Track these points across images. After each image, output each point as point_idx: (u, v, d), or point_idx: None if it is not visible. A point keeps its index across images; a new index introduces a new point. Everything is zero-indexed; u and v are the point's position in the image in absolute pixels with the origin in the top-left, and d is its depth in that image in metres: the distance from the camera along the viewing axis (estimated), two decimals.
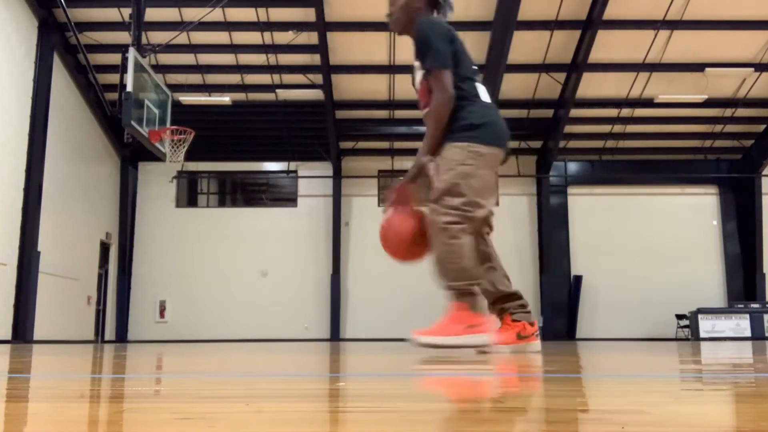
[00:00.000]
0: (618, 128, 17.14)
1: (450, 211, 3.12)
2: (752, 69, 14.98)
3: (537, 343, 3.35)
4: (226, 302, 17.36)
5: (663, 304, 17.30)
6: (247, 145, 17.99)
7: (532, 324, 3.31)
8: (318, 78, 15.24)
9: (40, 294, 13.10)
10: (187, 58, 15.10)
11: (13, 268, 12.61)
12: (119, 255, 17.27)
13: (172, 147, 11.17)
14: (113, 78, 12.85)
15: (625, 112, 16.56)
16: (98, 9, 13.78)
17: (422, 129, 13.56)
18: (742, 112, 16.64)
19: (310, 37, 14.36)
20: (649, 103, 16.11)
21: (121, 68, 9.98)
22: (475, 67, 3.37)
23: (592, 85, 15.54)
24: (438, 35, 3.18)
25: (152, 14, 12.54)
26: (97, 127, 16.17)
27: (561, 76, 15.40)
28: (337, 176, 17.74)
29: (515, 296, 3.34)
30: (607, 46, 14.43)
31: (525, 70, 15.24)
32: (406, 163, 18.40)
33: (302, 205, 18.03)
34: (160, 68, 14.54)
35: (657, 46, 14.54)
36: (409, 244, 3.27)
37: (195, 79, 15.62)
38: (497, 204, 3.04)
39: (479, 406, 1.17)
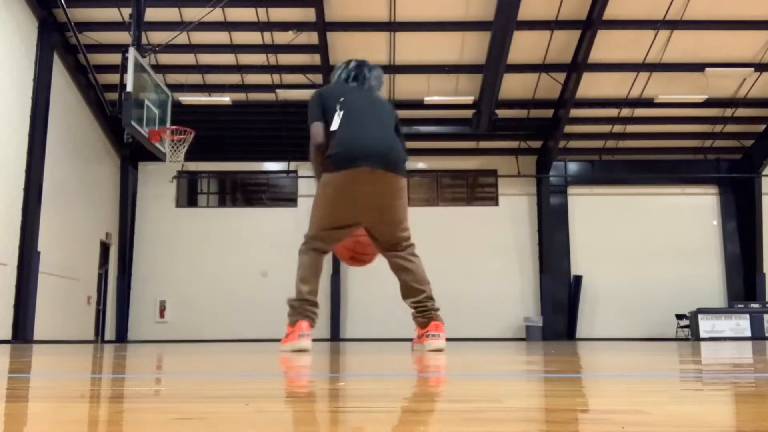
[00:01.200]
0: (618, 128, 17.14)
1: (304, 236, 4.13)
2: (752, 69, 14.97)
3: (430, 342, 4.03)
4: (226, 302, 17.36)
5: (663, 304, 17.30)
6: (247, 145, 18.00)
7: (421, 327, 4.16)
8: (318, 78, 15.23)
9: (40, 294, 13.10)
10: (187, 58, 15.10)
11: (13, 268, 12.61)
12: (119, 255, 17.27)
13: (172, 147, 11.17)
14: (113, 78, 12.84)
15: (625, 112, 16.55)
16: (98, 9, 13.78)
17: (422, 129, 13.64)
18: (742, 112, 16.64)
19: (310, 37, 14.36)
20: (649, 103, 16.11)
21: (121, 68, 9.98)
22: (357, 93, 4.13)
23: (592, 85, 15.54)
24: (311, 101, 4.14)
25: (152, 14, 12.53)
26: (97, 127, 16.17)
27: (561, 76, 15.40)
28: None
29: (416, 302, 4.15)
30: (607, 46, 14.43)
31: (525, 70, 15.24)
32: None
33: (302, 205, 18.00)
34: (160, 68, 14.54)
35: (657, 46, 14.53)
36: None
37: (195, 79, 15.62)
38: (368, 224, 3.48)
39: (479, 406, 1.17)
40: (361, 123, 3.94)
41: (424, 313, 4.07)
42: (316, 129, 4.02)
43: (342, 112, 3.96)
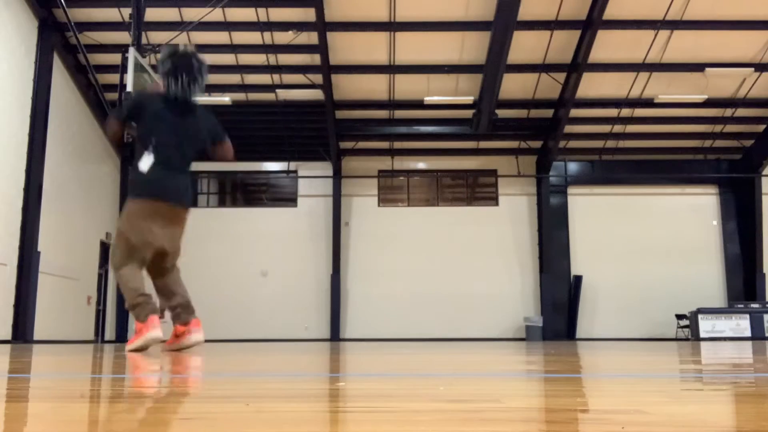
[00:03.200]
0: (618, 128, 17.14)
1: (114, 250, 4.46)
2: (752, 69, 14.97)
3: (192, 337, 4.47)
4: (226, 302, 17.35)
5: (663, 304, 17.30)
6: (247, 145, 17.94)
7: (184, 324, 4.48)
8: (318, 78, 15.24)
9: (40, 294, 13.09)
10: None
11: (13, 268, 12.61)
12: None
13: None
14: (113, 78, 12.85)
15: (625, 112, 16.56)
16: (98, 9, 13.77)
17: (422, 129, 13.67)
18: (742, 112, 16.64)
19: (310, 37, 14.36)
20: (649, 103, 16.11)
21: (121, 68, 9.99)
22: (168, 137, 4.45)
23: (592, 85, 15.54)
24: (129, 100, 4.62)
25: (152, 14, 12.53)
26: (97, 127, 16.16)
27: (561, 76, 15.40)
28: (337, 176, 17.74)
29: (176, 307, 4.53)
30: (607, 46, 14.43)
31: (525, 70, 15.24)
32: (406, 163, 18.42)
33: (302, 205, 18.02)
34: None
35: (657, 46, 14.54)
36: None
37: None
38: (166, 248, 4.04)
39: (479, 406, 1.17)
40: (167, 163, 4.40)
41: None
42: (116, 122, 4.60)
43: (153, 155, 4.36)
